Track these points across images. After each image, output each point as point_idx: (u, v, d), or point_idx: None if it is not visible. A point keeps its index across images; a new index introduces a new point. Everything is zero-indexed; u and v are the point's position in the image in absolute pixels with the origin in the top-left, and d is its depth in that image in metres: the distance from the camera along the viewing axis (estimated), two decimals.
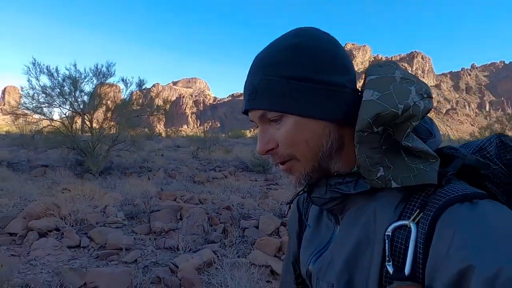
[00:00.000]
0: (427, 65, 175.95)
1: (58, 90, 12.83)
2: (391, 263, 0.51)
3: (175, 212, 5.11)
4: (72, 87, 12.96)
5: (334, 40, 0.59)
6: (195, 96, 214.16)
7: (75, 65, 12.43)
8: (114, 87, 14.05)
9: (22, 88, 11.81)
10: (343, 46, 0.61)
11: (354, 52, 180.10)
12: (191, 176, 11.15)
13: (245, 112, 0.63)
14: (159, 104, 15.09)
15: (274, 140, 0.60)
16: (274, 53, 0.59)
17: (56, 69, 12.62)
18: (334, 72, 0.56)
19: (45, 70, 12.20)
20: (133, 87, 13.86)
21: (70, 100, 12.86)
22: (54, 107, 13.01)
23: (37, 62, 12.46)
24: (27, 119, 12.83)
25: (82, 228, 4.44)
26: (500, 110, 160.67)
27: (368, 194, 0.58)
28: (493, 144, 0.59)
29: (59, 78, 12.55)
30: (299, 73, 0.56)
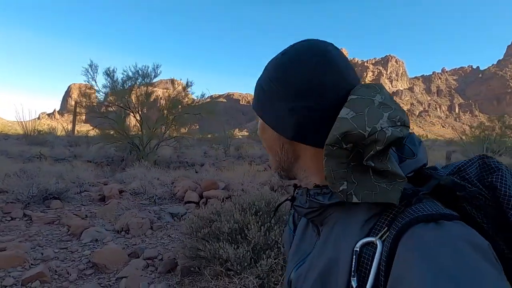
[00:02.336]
0: (401, 68, 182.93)
1: (114, 89, 13.54)
2: (355, 278, 0.52)
3: None
4: (126, 86, 13.67)
5: (312, 62, 0.59)
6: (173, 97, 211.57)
7: (135, 66, 13.19)
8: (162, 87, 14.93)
9: (91, 86, 12.59)
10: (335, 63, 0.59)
11: None
12: (232, 169, 11.98)
13: None
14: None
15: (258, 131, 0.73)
16: (270, 61, 0.66)
17: (113, 70, 13.33)
18: (291, 97, 0.60)
19: (107, 71, 12.90)
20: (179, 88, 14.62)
21: (123, 99, 13.57)
22: (111, 105, 13.74)
23: (94, 64, 13.14)
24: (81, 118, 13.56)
25: None
26: (468, 112, 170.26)
27: (344, 209, 0.60)
28: (474, 165, 0.60)
29: (118, 79, 13.25)
30: (269, 87, 0.63)
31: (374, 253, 0.51)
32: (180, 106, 14.03)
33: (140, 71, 13.53)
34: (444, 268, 0.41)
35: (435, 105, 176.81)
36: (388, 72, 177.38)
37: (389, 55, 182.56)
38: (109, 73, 12.90)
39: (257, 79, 0.69)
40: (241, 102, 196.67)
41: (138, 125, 13.80)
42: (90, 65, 12.79)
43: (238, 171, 10.32)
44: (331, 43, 0.63)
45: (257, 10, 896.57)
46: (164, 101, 14.27)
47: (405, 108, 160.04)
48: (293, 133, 0.61)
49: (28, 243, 4.25)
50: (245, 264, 2.68)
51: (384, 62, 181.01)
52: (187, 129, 14.72)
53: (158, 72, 14.24)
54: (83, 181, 7.89)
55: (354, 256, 0.53)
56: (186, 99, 14.86)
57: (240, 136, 23.92)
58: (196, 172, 9.71)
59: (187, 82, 14.36)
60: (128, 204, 5.76)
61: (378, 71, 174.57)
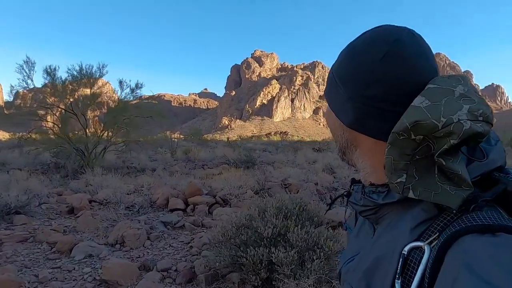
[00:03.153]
0: (327, 74, 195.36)
1: (53, 90, 12.40)
2: (400, 280, 0.51)
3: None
4: (68, 87, 12.62)
5: (382, 51, 0.56)
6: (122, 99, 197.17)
7: (80, 64, 12.17)
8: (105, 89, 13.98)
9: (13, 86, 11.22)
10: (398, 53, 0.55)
11: (263, 59, 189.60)
12: (186, 173, 11.87)
13: None
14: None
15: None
16: (344, 48, 0.65)
17: (55, 68, 12.21)
18: (355, 85, 0.59)
19: (48, 70, 11.73)
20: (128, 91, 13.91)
21: (64, 100, 12.50)
22: (47, 107, 12.52)
23: (31, 61, 11.90)
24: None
25: None
26: None
27: (399, 210, 0.58)
28: None
29: (60, 78, 12.15)
30: (338, 73, 0.63)
31: (422, 258, 0.49)
32: (128, 109, 13.26)
33: (84, 70, 12.49)
34: (494, 286, 0.37)
35: None
36: (316, 77, 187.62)
37: (317, 61, 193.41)
38: (49, 72, 11.66)
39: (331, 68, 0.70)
40: (173, 104, 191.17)
41: (83, 128, 12.74)
42: (26, 61, 11.43)
43: (198, 176, 10.22)
44: (408, 30, 0.59)
45: (184, 10, 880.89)
46: (112, 103, 13.37)
47: None
48: (349, 121, 0.62)
49: (10, 265, 3.77)
50: (293, 266, 2.80)
51: (312, 67, 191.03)
52: (135, 133, 13.93)
53: (104, 72, 13.32)
54: (35, 193, 7.10)
55: (400, 259, 0.52)
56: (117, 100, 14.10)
57: (175, 139, 23.26)
58: (161, 178, 9.34)
59: (137, 84, 13.66)
60: (110, 215, 5.40)
61: (307, 75, 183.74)
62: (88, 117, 13.07)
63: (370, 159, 0.64)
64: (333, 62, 0.67)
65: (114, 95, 14.40)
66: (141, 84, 13.72)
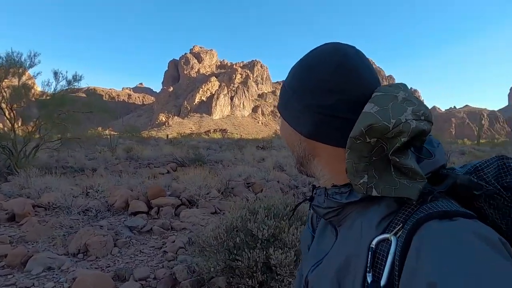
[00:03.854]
0: (265, 73, 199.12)
1: None
2: (371, 273, 0.53)
3: None
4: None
5: (336, 63, 0.61)
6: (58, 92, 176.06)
7: (8, 52, 10.74)
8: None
9: None
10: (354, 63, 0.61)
11: (202, 55, 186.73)
12: (132, 173, 11.27)
13: None
14: None
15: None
16: (295, 63, 0.69)
17: None
18: (311, 95, 0.62)
19: None
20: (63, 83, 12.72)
21: None
22: None
23: None
24: None
25: None
26: None
27: (362, 209, 0.61)
28: (492, 165, 0.59)
29: None
30: (292, 86, 0.66)
31: (389, 249, 0.52)
32: (66, 103, 12.06)
33: (12, 58, 11.04)
34: (456, 259, 0.42)
35: None
36: (255, 76, 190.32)
37: (255, 60, 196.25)
38: None
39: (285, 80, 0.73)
40: (104, 98, 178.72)
41: (10, 124, 11.28)
42: None
43: (145, 175, 9.71)
44: (353, 47, 0.65)
45: (121, 4, 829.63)
46: (45, 96, 12.03)
47: (269, 109, 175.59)
48: (307, 131, 0.65)
49: None
50: (291, 266, 2.81)
51: (251, 66, 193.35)
52: (74, 129, 12.68)
53: (36, 61, 11.94)
54: None
55: (369, 253, 0.55)
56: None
57: (107, 136, 21.84)
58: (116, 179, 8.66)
59: (75, 76, 12.46)
60: (64, 222, 4.85)
61: (246, 74, 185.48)
62: (17, 111, 11.58)
63: (329, 166, 0.68)
64: (286, 77, 0.71)
65: (37, 88, 12.94)
66: (80, 76, 12.56)
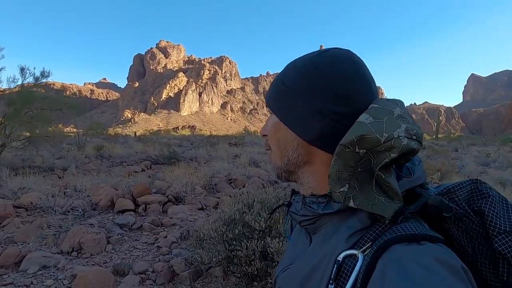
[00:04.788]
0: (234, 69, 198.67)
1: None
2: (333, 286, 0.54)
3: None
4: None
5: (352, 71, 0.60)
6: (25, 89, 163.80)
7: None
8: None
9: None
10: (361, 75, 0.61)
11: (169, 50, 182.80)
12: (106, 172, 11.07)
13: None
14: None
15: (266, 128, 0.72)
16: (297, 61, 0.66)
17: None
18: (325, 100, 0.59)
19: None
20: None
21: None
22: None
23: None
24: None
25: None
26: None
27: (336, 221, 0.61)
28: (465, 188, 0.59)
29: None
30: (295, 86, 0.62)
31: (355, 265, 0.53)
32: (34, 100, 11.59)
33: None
34: (418, 284, 0.42)
35: (263, 104, 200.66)
36: (223, 72, 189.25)
37: (224, 55, 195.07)
38: None
39: (278, 74, 0.69)
40: (65, 94, 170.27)
41: None
42: None
43: (119, 174, 9.63)
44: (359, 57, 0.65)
45: None
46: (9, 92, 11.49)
47: (238, 105, 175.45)
48: (311, 136, 0.62)
49: None
50: None
51: (219, 61, 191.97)
52: (44, 127, 12.20)
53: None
54: None
55: (335, 266, 0.55)
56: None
57: (72, 134, 21.12)
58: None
59: (43, 72, 11.99)
60: (52, 222, 4.85)
61: (214, 70, 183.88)
62: None
63: (318, 173, 0.66)
64: (283, 72, 0.67)
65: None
66: (48, 72, 12.12)
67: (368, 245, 0.54)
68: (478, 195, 0.58)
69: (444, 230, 0.57)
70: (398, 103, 0.59)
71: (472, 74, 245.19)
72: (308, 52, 0.67)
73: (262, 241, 3.11)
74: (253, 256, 3.18)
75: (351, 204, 0.56)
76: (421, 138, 0.56)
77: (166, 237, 4.47)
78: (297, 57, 0.67)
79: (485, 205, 0.55)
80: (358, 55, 0.64)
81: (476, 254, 0.54)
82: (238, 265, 3.22)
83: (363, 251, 0.53)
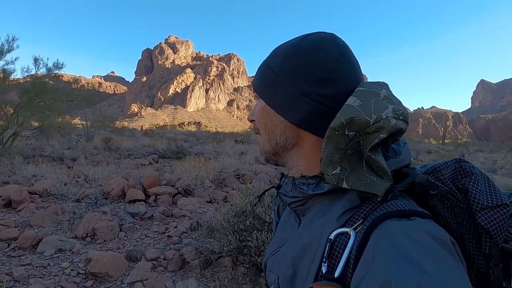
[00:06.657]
0: (242, 67, 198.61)
1: None
2: (326, 264, 0.55)
3: None
4: None
5: (335, 53, 0.61)
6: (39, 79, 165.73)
7: None
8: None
9: None
10: (345, 58, 0.62)
11: (177, 46, 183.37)
12: (114, 163, 11.25)
13: None
14: None
15: (253, 113, 0.73)
16: (282, 46, 0.66)
17: None
18: (308, 82, 0.60)
19: None
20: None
21: None
22: None
23: None
24: None
25: None
26: None
27: (326, 201, 0.63)
28: (450, 167, 0.62)
29: None
30: (284, 69, 0.63)
31: (347, 242, 0.54)
32: (47, 91, 11.79)
33: None
34: (409, 256, 0.44)
35: None
36: (231, 69, 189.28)
37: (232, 53, 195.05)
38: None
39: (264, 60, 0.69)
40: (73, 86, 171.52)
41: None
42: None
43: (127, 166, 9.79)
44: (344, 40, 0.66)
45: None
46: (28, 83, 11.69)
47: (244, 103, 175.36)
48: (299, 118, 0.63)
49: None
50: None
51: (227, 59, 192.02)
52: (55, 117, 12.42)
53: (14, 46, 11.56)
54: None
55: (327, 244, 0.56)
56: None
57: (80, 126, 21.35)
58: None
59: (56, 63, 12.18)
60: (66, 208, 5.01)
61: (222, 67, 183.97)
62: None
63: (307, 156, 0.67)
64: (269, 57, 0.68)
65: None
66: (62, 64, 12.29)
67: (359, 222, 0.55)
68: (462, 174, 0.61)
69: (430, 208, 0.59)
70: (383, 85, 0.61)
71: (482, 80, 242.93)
72: (295, 37, 0.67)
73: (272, 233, 3.21)
74: (262, 247, 3.29)
75: (344, 185, 0.57)
76: (408, 118, 0.57)
77: (176, 227, 4.60)
78: (282, 42, 0.68)
79: (469, 182, 0.59)
80: (342, 39, 0.65)
81: (461, 229, 0.57)
82: (247, 255, 3.33)
83: (355, 229, 0.55)
